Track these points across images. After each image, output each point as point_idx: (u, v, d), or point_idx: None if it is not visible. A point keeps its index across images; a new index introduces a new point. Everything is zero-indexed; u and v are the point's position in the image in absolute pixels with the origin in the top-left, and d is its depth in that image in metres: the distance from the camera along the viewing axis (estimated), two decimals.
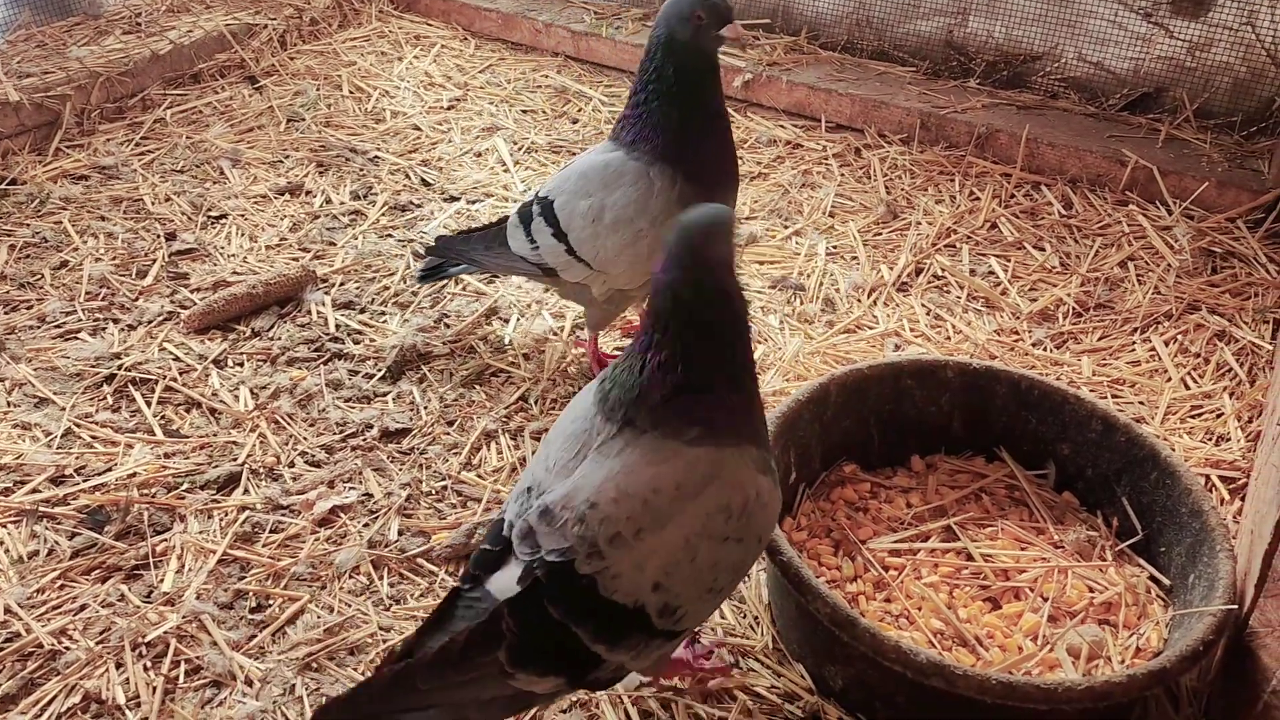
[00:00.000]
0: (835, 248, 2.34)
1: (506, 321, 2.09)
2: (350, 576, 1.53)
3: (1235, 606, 1.25)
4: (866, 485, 1.61)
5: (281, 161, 2.63)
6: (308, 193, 2.51)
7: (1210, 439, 1.81)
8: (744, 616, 1.47)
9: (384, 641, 1.42)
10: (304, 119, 2.81)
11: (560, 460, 1.14)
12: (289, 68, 3.09)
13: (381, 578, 1.52)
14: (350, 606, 1.48)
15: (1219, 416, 1.85)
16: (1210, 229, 2.37)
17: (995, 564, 1.46)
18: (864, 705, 1.30)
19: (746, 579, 1.49)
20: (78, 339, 1.99)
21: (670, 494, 1.08)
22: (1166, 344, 2.04)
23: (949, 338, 2.06)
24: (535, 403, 1.88)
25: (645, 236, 1.71)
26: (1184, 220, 2.40)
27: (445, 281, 2.15)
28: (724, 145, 1.74)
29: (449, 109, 2.93)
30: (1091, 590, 1.42)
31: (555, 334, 2.06)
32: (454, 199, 2.52)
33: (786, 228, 2.41)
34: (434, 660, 1.09)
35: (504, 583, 1.11)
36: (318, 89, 2.97)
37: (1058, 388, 1.59)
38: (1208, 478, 1.71)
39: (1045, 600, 1.41)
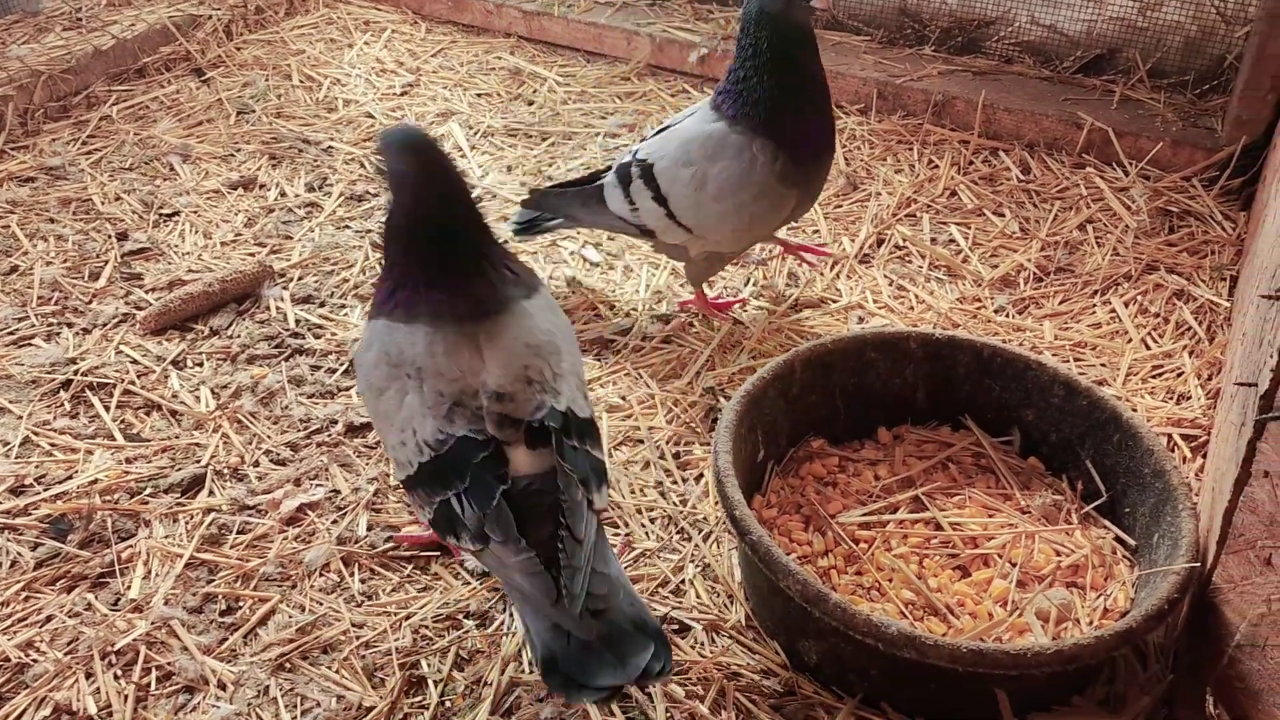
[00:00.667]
0: (796, 222, 2.34)
1: None
2: (320, 574, 1.52)
3: (1198, 564, 1.27)
4: (835, 459, 1.61)
5: (233, 155, 2.59)
6: (261, 186, 2.48)
7: (1172, 398, 1.83)
8: (717, 595, 1.47)
9: (357, 638, 1.41)
10: (254, 111, 2.77)
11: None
12: (236, 58, 3.03)
13: (352, 574, 1.51)
14: (322, 605, 1.47)
15: (1179, 375, 1.87)
16: (1166, 189, 2.39)
17: (964, 532, 1.47)
18: (838, 679, 1.31)
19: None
20: (32, 345, 1.96)
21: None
22: (1126, 305, 2.06)
23: (912, 308, 2.07)
24: None
25: (747, 208, 1.80)
26: (1140, 181, 2.42)
27: (539, 235, 2.14)
28: (823, 114, 1.82)
29: (402, 95, 2.89)
30: (1059, 554, 1.44)
31: None
32: None
33: None
34: None
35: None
36: (267, 79, 2.92)
37: (1020, 354, 1.60)
38: (1170, 437, 1.73)
39: (1014, 566, 1.42)
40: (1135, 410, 1.76)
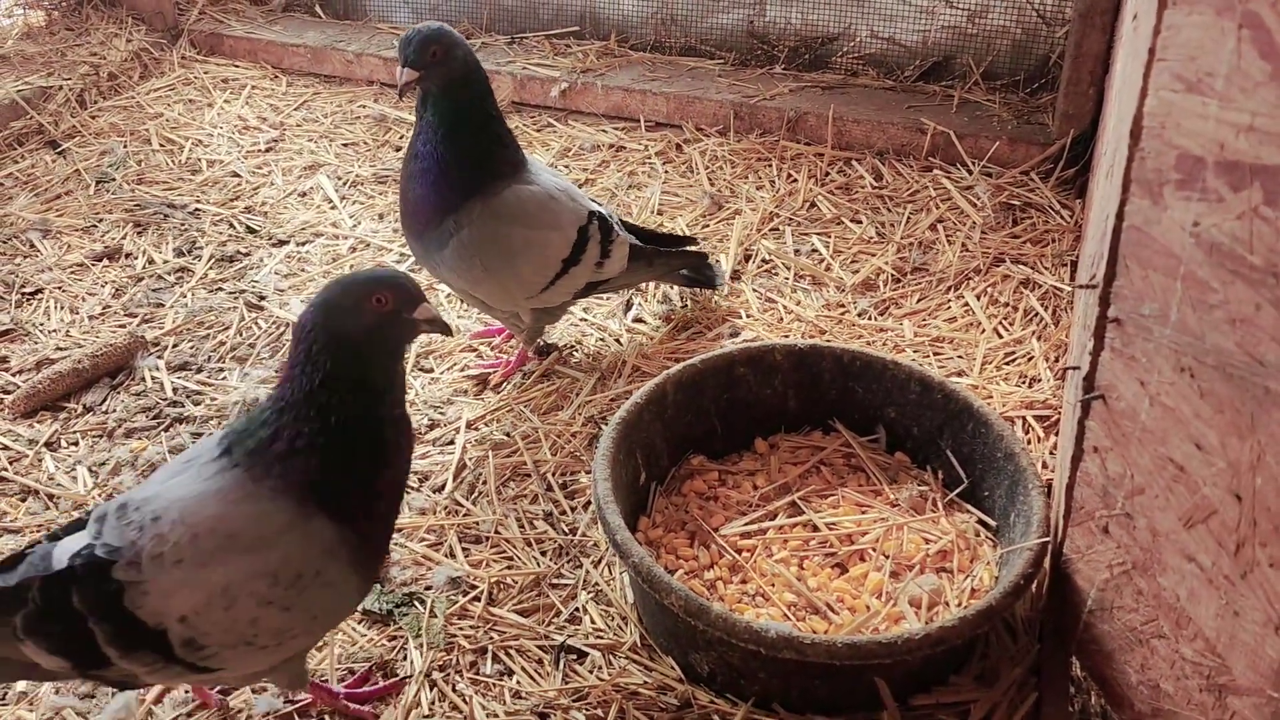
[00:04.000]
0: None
1: None
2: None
3: (1049, 539, 1.37)
4: (714, 474, 1.67)
5: (95, 226, 2.54)
6: (128, 255, 2.44)
7: (1024, 382, 1.95)
8: (612, 619, 1.52)
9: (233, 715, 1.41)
10: (114, 179, 2.72)
11: (171, 467, 1.22)
12: (92, 127, 2.98)
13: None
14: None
15: (1030, 360, 1.99)
16: (1008, 184, 2.53)
17: (839, 531, 1.55)
18: (731, 686, 1.36)
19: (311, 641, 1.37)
20: None
21: (223, 538, 1.14)
22: (978, 298, 2.18)
23: (781, 319, 2.16)
24: None
25: None
26: (983, 179, 2.56)
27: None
28: None
29: (267, 151, 2.88)
30: (927, 541, 1.52)
31: None
32: (283, 243, 2.48)
33: None
34: None
35: (61, 552, 1.16)
36: (125, 146, 2.87)
37: (878, 356, 1.69)
38: (1024, 419, 1.84)
39: (887, 558, 1.50)
40: (988, 399, 1.88)
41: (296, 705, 1.41)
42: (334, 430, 1.16)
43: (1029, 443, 1.80)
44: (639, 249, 1.97)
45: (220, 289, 2.32)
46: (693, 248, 2.11)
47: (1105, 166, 1.66)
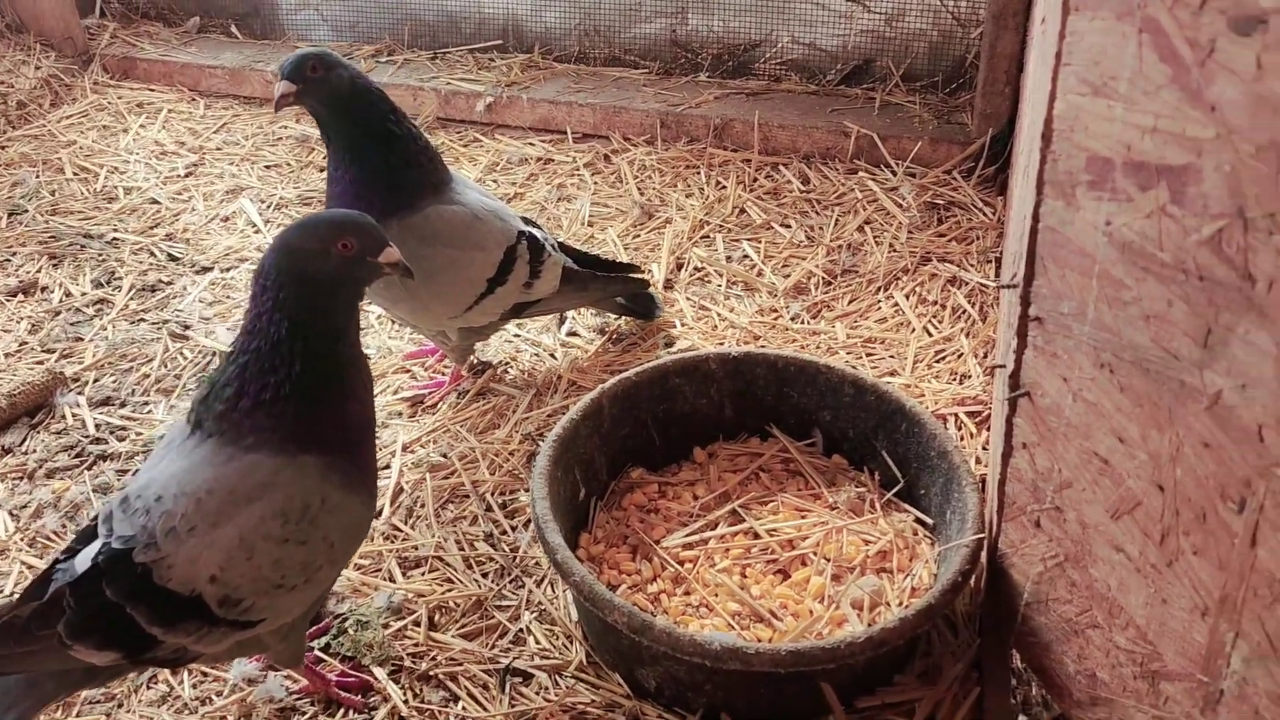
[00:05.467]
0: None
1: None
2: (148, 686, 1.47)
3: (984, 535, 1.39)
4: (654, 486, 1.67)
5: (8, 261, 2.46)
6: (43, 289, 2.36)
7: (955, 379, 1.98)
8: (557, 638, 1.50)
9: None
10: (26, 210, 2.64)
11: (154, 457, 1.27)
12: (1, 158, 2.88)
13: (181, 680, 1.47)
14: (153, 719, 1.42)
15: (960, 357, 2.03)
16: (931, 184, 2.58)
17: (780, 536, 1.56)
18: (678, 699, 1.36)
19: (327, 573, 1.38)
20: None
21: (224, 496, 1.19)
22: (907, 297, 2.21)
23: (716, 326, 2.16)
24: None
25: None
26: (908, 179, 2.60)
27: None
28: None
29: (187, 176, 2.82)
30: (867, 542, 1.53)
31: None
32: (206, 269, 2.43)
33: None
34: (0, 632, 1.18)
35: (82, 560, 1.21)
36: (37, 176, 2.79)
37: (811, 361, 1.70)
38: (957, 416, 1.87)
39: (828, 561, 1.51)
40: (921, 397, 1.90)
41: (296, 692, 1.43)
42: (299, 376, 1.20)
43: (962, 439, 1.83)
44: (574, 272, 1.96)
45: (142, 320, 2.26)
46: (637, 275, 2.09)
47: (1022, 166, 1.69)
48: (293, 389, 1.20)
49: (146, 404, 2.02)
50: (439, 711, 1.40)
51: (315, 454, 1.22)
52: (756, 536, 1.56)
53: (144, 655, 1.22)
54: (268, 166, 2.86)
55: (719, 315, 2.19)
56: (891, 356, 2.04)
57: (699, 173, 2.70)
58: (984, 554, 1.42)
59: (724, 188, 2.63)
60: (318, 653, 1.48)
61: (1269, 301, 0.82)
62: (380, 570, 1.63)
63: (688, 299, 2.25)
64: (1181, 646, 1.02)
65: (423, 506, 1.74)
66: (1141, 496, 1.04)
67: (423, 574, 1.62)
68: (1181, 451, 0.97)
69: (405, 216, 1.73)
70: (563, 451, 1.53)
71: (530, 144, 2.89)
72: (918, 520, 1.58)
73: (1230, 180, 0.84)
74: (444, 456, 1.84)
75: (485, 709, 1.40)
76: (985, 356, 2.01)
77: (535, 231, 1.92)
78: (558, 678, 1.44)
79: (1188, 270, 0.91)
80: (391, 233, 1.72)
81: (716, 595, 1.47)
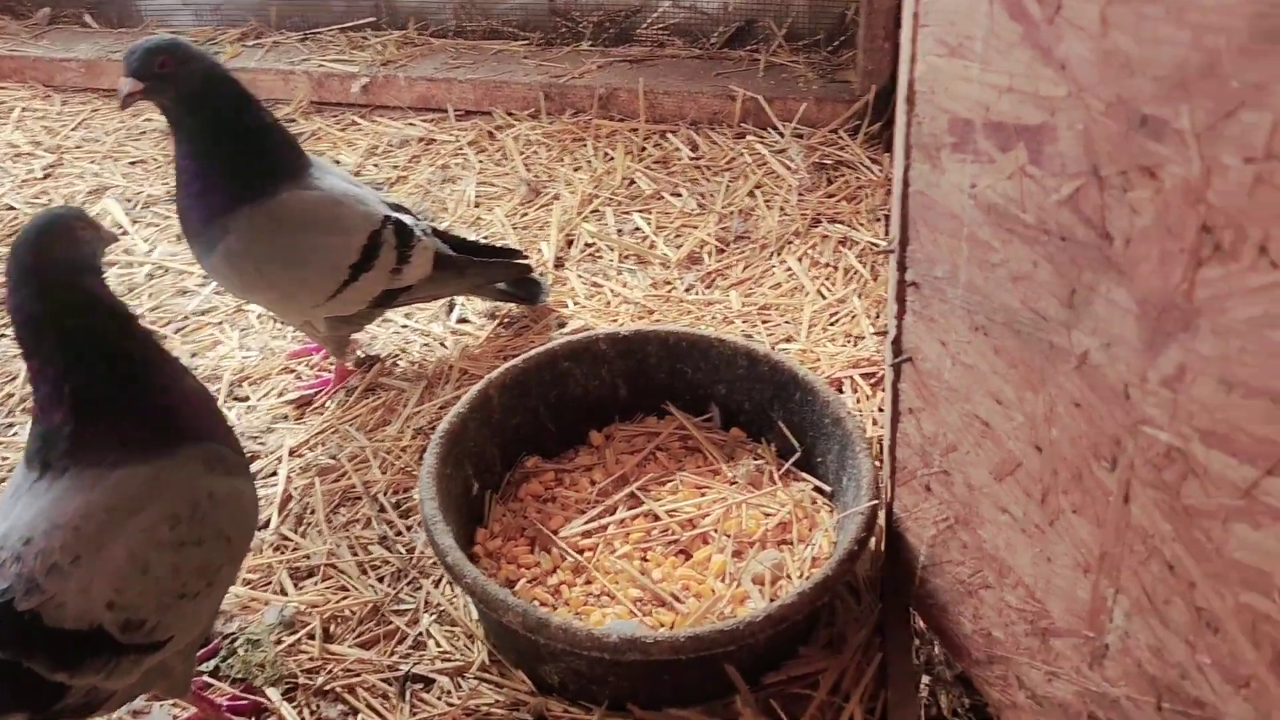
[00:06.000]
0: (487, 238, 2.34)
1: None
2: None
3: (879, 501, 1.38)
4: (550, 474, 1.63)
5: None
6: None
7: (850, 341, 1.97)
8: (458, 639, 1.46)
9: None
10: None
11: (4, 504, 1.18)
12: None
13: None
14: None
15: (853, 318, 2.02)
16: (819, 144, 2.57)
17: (680, 516, 1.53)
18: (583, 692, 1.34)
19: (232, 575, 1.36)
20: None
21: (103, 516, 1.12)
22: (800, 260, 2.20)
23: (609, 303, 2.12)
24: None
25: None
26: (795, 141, 2.58)
27: None
28: None
29: (45, 178, 2.66)
30: (767, 515, 1.52)
31: None
32: None
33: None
34: None
35: None
36: None
37: (702, 335, 1.68)
38: (852, 379, 1.87)
39: (729, 538, 1.49)
40: (816, 362, 1.90)
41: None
42: (112, 376, 1.15)
43: (858, 401, 1.82)
44: (449, 258, 1.89)
45: (3, 335, 2.13)
46: (520, 260, 2.02)
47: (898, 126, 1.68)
48: (118, 389, 1.15)
49: (11, 425, 1.90)
50: None
51: (189, 444, 1.19)
52: (656, 518, 1.54)
53: (54, 708, 1.13)
54: (132, 163, 2.71)
55: (612, 291, 2.15)
56: (787, 322, 2.03)
57: (586, 145, 2.65)
58: (881, 519, 1.42)
59: (612, 159, 2.59)
60: (206, 677, 1.42)
61: (1126, 259, 0.82)
62: (270, 583, 1.57)
63: (579, 277, 2.20)
64: (1067, 604, 1.03)
65: (313, 513, 1.67)
66: (1021, 458, 1.04)
67: (315, 584, 1.56)
68: (1055, 412, 0.96)
69: (260, 203, 1.66)
70: (451, 448, 1.48)
71: (411, 124, 2.80)
72: (817, 488, 1.57)
73: (1084, 138, 0.83)
74: (333, 458, 1.77)
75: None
76: (878, 317, 2.02)
77: (404, 217, 1.85)
78: (460, 680, 1.40)
79: (1050, 230, 0.90)
80: (241, 221, 1.66)
81: (617, 582, 1.44)
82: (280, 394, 1.94)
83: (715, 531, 1.51)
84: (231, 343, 2.07)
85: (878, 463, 1.50)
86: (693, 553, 1.49)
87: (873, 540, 1.43)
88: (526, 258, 2.05)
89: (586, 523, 1.54)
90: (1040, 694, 1.13)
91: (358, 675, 1.42)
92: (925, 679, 1.39)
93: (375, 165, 2.65)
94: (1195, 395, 0.78)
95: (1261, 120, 0.66)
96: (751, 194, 2.43)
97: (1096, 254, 0.85)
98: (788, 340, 1.98)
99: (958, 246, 1.06)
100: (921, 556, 1.34)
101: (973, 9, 0.93)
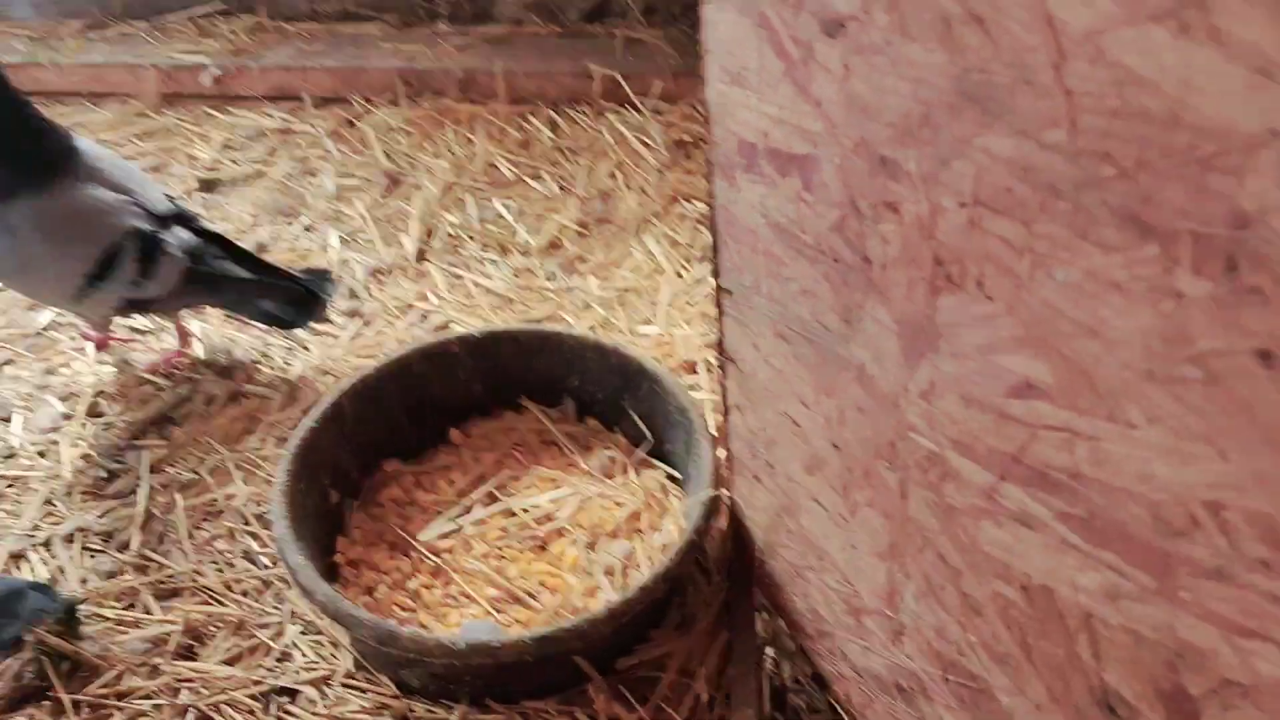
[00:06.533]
0: (349, 234, 2.34)
1: (7, 421, 1.91)
2: None
3: (717, 491, 1.45)
4: (410, 478, 1.67)
5: None
6: None
7: (706, 322, 2.03)
8: (324, 648, 1.50)
9: None
10: None
11: None
12: None
13: None
14: None
15: (710, 299, 2.08)
16: (677, 120, 2.61)
17: (537, 512, 1.58)
18: (443, 693, 1.39)
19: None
20: None
21: None
22: (659, 242, 2.25)
23: (471, 294, 2.15)
24: (63, 501, 1.76)
25: None
26: (654, 118, 2.62)
27: None
28: None
29: None
30: (619, 505, 1.58)
31: (67, 418, 1.92)
32: None
33: (292, 225, 2.37)
34: None
35: None
36: None
37: (554, 331, 1.72)
38: (707, 362, 1.93)
39: (583, 530, 1.55)
40: (670, 345, 1.96)
41: None
42: None
43: (714, 383, 1.89)
44: (201, 273, 1.85)
45: None
46: (296, 285, 1.90)
47: None
48: None
49: None
50: None
51: None
52: (513, 515, 1.59)
53: None
54: None
55: (474, 282, 2.17)
56: (647, 305, 2.08)
57: (446, 130, 2.64)
58: (725, 505, 1.49)
59: (473, 144, 2.59)
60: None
61: (884, 283, 0.88)
62: (135, 606, 1.57)
63: (441, 269, 2.22)
64: (872, 586, 1.11)
65: (175, 531, 1.68)
66: (825, 455, 1.11)
67: (180, 603, 1.57)
68: (845, 415, 1.03)
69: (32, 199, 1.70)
70: (303, 463, 1.51)
71: (267, 115, 2.75)
72: (669, 476, 1.64)
73: (841, 172, 0.89)
74: (194, 473, 1.78)
75: None
76: None
77: (165, 232, 1.82)
78: (325, 688, 1.44)
79: (824, 252, 0.96)
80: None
81: (474, 583, 1.49)
82: (143, 402, 1.92)
83: (570, 525, 1.56)
84: (87, 358, 2.04)
85: (722, 451, 1.57)
86: (551, 547, 1.55)
87: (721, 524, 1.50)
88: (329, 278, 1.96)
89: (446, 523, 1.58)
90: (859, 666, 1.21)
91: (223, 693, 1.44)
92: (771, 651, 1.47)
93: (234, 161, 2.60)
94: (944, 409, 0.85)
95: (967, 169, 0.73)
96: (612, 174, 2.46)
97: (862, 277, 0.92)
98: (645, 323, 2.03)
99: (757, 260, 1.12)
100: (759, 541, 1.42)
101: (745, 43, 0.98)
